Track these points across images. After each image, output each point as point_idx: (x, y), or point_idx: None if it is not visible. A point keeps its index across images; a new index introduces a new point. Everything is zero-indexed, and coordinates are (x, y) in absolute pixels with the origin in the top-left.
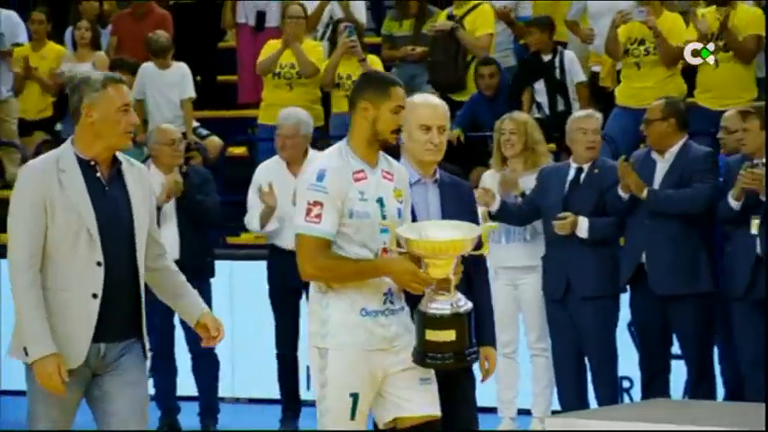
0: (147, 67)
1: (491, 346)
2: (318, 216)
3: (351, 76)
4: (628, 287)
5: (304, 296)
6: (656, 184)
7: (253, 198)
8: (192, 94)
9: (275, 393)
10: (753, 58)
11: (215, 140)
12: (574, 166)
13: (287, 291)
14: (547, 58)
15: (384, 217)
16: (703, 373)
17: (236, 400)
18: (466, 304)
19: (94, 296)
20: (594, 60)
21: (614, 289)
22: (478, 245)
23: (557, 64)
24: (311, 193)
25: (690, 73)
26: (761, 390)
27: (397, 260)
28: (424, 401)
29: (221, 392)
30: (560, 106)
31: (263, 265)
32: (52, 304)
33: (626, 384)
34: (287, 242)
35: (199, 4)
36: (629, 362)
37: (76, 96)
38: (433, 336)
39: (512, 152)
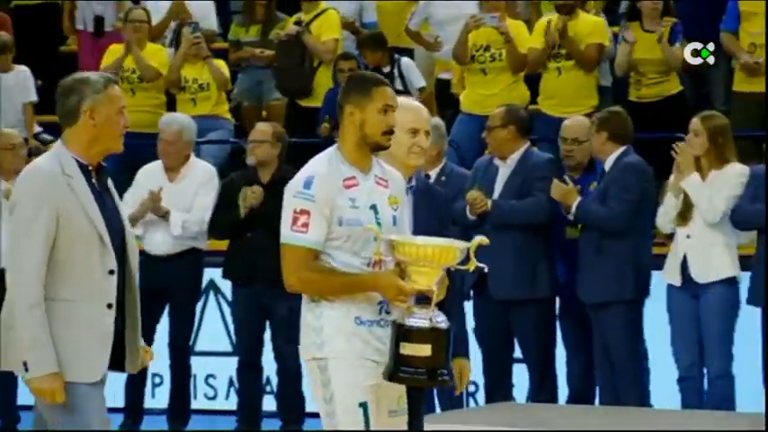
0: None
1: (464, 357)
2: (305, 225)
3: (197, 80)
4: (471, 293)
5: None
6: (498, 189)
7: (128, 199)
8: (33, 98)
9: (118, 402)
10: (594, 67)
11: None
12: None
13: (151, 295)
14: (386, 70)
15: (379, 224)
16: (544, 376)
17: None
18: (444, 321)
19: (109, 306)
20: (441, 67)
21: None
22: (465, 259)
23: (396, 74)
24: (298, 201)
25: (533, 80)
26: (589, 394)
27: (383, 275)
28: None
29: None
30: None
31: None
32: (66, 316)
33: (471, 389)
34: (152, 247)
35: (39, 7)
36: (473, 366)
37: (75, 97)
38: (408, 349)
39: None
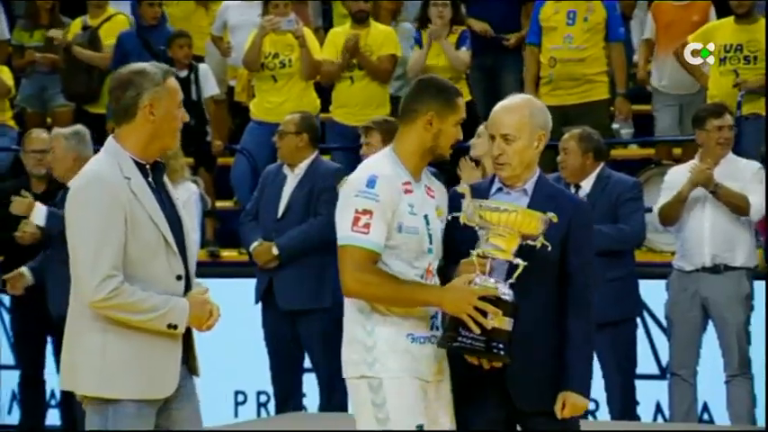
0: None
1: (576, 392)
2: (367, 226)
3: None
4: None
5: None
6: (286, 196)
7: None
8: None
9: None
10: (388, 77)
11: None
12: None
13: None
14: (183, 74)
15: (430, 236)
16: (333, 384)
17: None
18: (509, 294)
19: None
20: (232, 74)
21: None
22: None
23: (192, 80)
24: (360, 200)
25: (324, 89)
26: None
27: (452, 288)
28: None
29: None
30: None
31: None
32: (137, 329)
33: (263, 399)
34: None
35: None
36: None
37: (132, 92)
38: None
39: None
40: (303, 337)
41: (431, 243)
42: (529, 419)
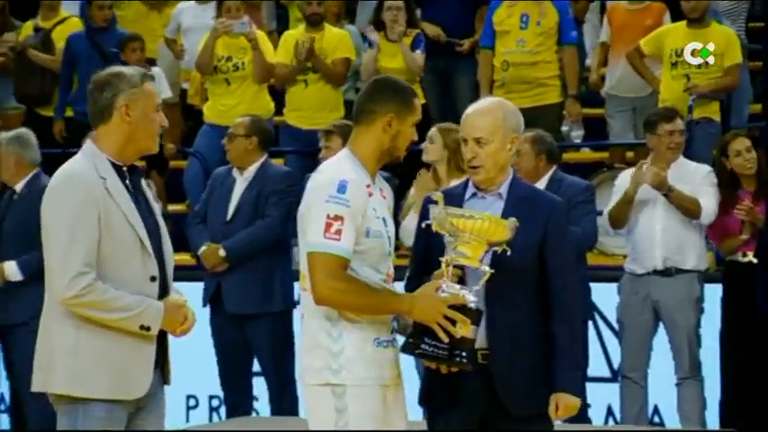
0: None
1: (566, 392)
2: (339, 232)
3: None
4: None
5: None
6: (235, 199)
7: None
8: None
9: None
10: (343, 81)
11: None
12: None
13: None
14: None
15: (389, 238)
16: (284, 388)
17: None
18: (476, 303)
19: None
20: (185, 77)
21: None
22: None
23: None
24: (332, 206)
25: (278, 92)
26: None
27: (420, 297)
28: None
29: None
30: None
31: None
32: (107, 327)
33: (215, 403)
34: None
35: None
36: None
37: (108, 93)
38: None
39: None
40: (252, 342)
41: (390, 246)
42: (506, 422)
